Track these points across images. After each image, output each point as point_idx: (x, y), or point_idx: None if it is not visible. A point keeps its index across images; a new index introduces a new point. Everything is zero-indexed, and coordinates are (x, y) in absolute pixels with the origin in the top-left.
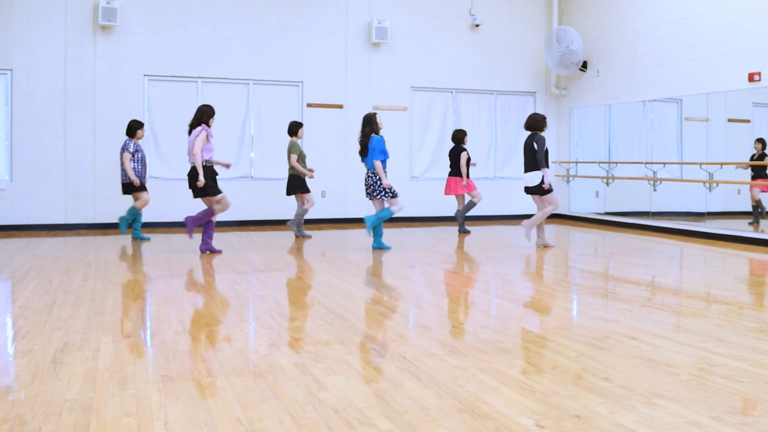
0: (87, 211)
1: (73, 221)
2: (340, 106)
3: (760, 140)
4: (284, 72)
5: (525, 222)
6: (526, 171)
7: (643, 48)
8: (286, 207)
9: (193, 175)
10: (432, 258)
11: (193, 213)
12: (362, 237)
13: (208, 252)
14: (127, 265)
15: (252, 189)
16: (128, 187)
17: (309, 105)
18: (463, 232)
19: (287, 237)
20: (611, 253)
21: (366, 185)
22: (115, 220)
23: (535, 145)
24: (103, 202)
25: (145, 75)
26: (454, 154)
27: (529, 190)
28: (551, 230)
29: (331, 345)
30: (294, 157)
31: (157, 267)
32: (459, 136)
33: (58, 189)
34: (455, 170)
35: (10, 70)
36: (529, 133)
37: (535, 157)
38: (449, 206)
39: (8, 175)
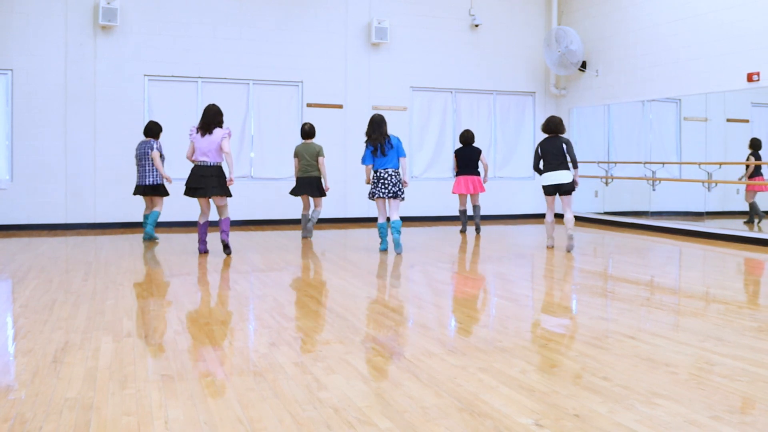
0: (87, 211)
1: (73, 221)
2: (340, 106)
3: (754, 141)
4: (284, 72)
5: (570, 244)
6: (549, 171)
7: (642, 48)
8: (286, 207)
9: (216, 173)
10: (432, 258)
11: (196, 218)
12: (362, 237)
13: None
14: (127, 264)
15: (252, 189)
16: (156, 189)
17: (309, 105)
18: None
19: (287, 237)
20: (610, 253)
21: (389, 183)
22: (114, 219)
23: (565, 147)
24: (103, 202)
25: (145, 75)
26: (472, 154)
27: (560, 188)
28: None
29: (331, 344)
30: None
31: (158, 267)
32: (472, 136)
33: (58, 189)
34: (469, 170)
35: (11, 70)
36: (546, 135)
37: (565, 158)
38: (449, 206)
39: (9, 175)
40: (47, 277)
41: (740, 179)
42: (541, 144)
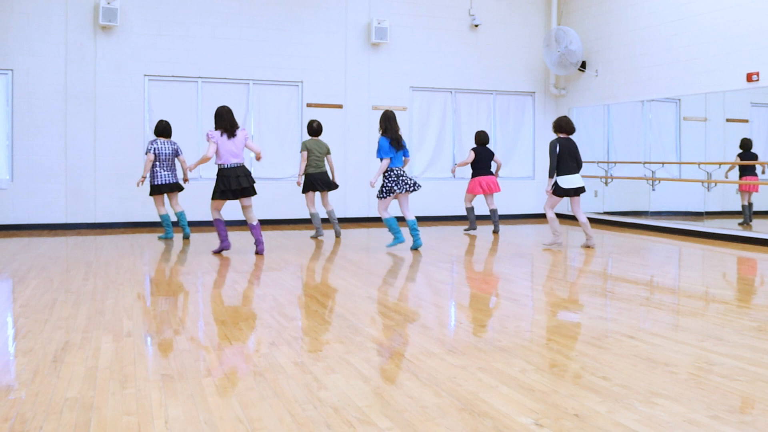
0: (87, 211)
1: (74, 221)
2: (340, 106)
3: (744, 141)
4: (284, 72)
5: (589, 241)
6: (568, 173)
7: (641, 48)
8: (286, 207)
9: (248, 173)
10: (432, 258)
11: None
12: (362, 237)
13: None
14: (127, 264)
15: None
16: (178, 186)
17: (309, 105)
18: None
19: (287, 236)
20: (610, 253)
21: (407, 178)
22: (115, 219)
23: (577, 149)
24: (104, 202)
25: (145, 75)
26: (489, 155)
27: (579, 191)
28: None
29: (331, 344)
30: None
31: (158, 266)
32: (488, 137)
33: (58, 188)
34: (486, 170)
35: (11, 70)
36: (558, 136)
37: (580, 160)
38: (449, 206)
39: (9, 175)
40: (48, 277)
41: (725, 175)
42: (561, 144)
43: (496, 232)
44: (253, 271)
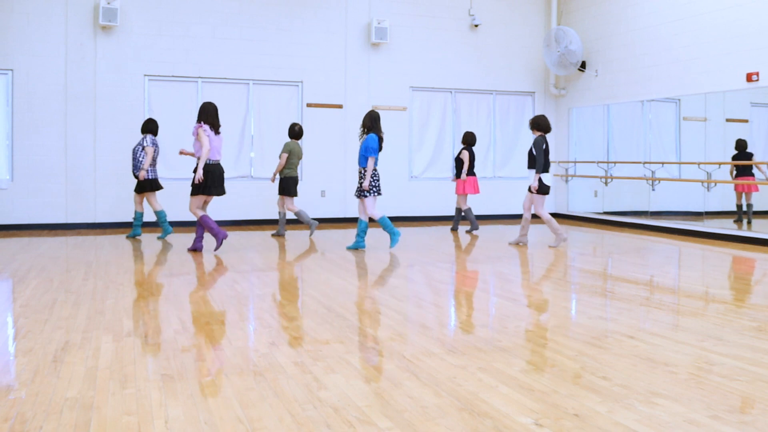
0: (87, 211)
1: (74, 221)
2: (340, 106)
3: (739, 141)
4: (284, 72)
5: (523, 239)
6: (547, 171)
7: (641, 48)
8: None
9: (223, 171)
10: (431, 257)
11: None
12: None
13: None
14: (127, 264)
15: (252, 189)
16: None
17: (309, 105)
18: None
19: (287, 236)
20: (610, 253)
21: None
22: (115, 219)
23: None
24: (104, 202)
25: (145, 75)
26: (474, 156)
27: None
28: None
29: (331, 344)
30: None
31: (157, 266)
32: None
33: (58, 188)
34: (472, 170)
35: (11, 70)
36: (539, 134)
37: (548, 159)
38: (448, 206)
39: (9, 175)
40: (48, 277)
41: (731, 174)
42: (546, 142)
43: (476, 229)
44: (252, 271)
